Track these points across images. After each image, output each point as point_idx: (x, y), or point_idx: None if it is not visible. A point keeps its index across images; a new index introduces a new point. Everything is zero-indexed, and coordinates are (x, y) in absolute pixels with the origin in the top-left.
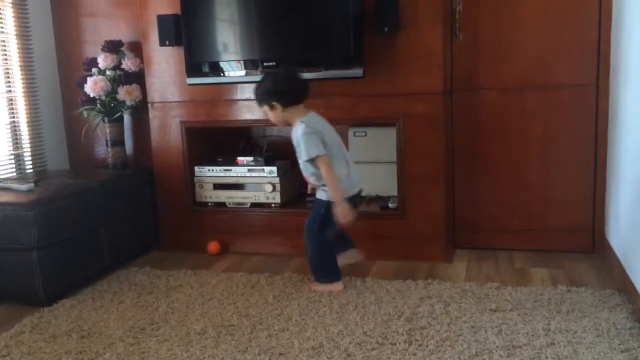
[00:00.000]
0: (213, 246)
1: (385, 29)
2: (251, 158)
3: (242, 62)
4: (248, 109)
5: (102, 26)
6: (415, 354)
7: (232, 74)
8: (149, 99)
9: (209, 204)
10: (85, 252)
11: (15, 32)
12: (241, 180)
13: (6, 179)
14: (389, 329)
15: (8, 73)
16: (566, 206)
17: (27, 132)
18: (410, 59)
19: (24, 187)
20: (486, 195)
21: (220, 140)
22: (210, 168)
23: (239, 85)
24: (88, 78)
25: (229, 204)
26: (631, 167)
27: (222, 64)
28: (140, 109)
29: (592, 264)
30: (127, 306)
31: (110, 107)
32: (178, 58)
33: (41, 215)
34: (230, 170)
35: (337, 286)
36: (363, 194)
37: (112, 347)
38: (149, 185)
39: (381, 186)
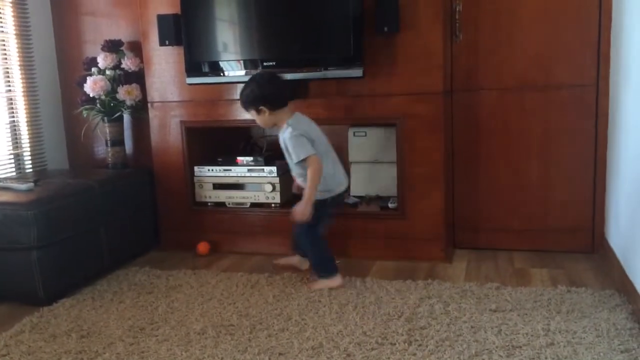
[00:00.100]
0: (203, 247)
1: (385, 29)
2: (251, 158)
3: (242, 62)
4: None
5: (102, 26)
6: (414, 354)
7: (232, 73)
8: (149, 99)
9: (209, 203)
10: (85, 251)
11: (15, 32)
12: (241, 180)
13: (6, 179)
14: (388, 329)
15: (8, 73)
16: (566, 206)
17: (26, 132)
18: (410, 59)
19: (23, 186)
20: (486, 196)
21: (220, 140)
22: (210, 168)
23: (238, 85)
24: (88, 78)
25: (229, 203)
26: (631, 167)
27: (222, 64)
28: (140, 109)
29: (591, 264)
30: (126, 306)
31: (110, 107)
32: (178, 58)
33: (41, 215)
34: (230, 170)
35: (336, 280)
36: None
37: (111, 346)
38: (148, 185)
39: (381, 186)
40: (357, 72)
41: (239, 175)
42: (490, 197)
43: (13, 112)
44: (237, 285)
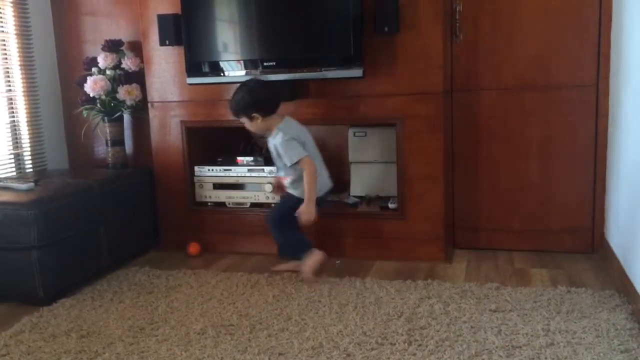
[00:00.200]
0: (193, 247)
1: (385, 29)
2: (251, 158)
3: (242, 62)
4: None
5: (102, 25)
6: (414, 354)
7: (232, 73)
8: (149, 99)
9: (209, 203)
10: (85, 251)
11: (15, 32)
12: (241, 180)
13: (6, 179)
14: (388, 329)
15: (8, 72)
16: (566, 206)
17: (27, 132)
18: (410, 59)
19: (23, 186)
20: (486, 196)
21: (220, 140)
22: (210, 168)
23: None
24: (88, 77)
25: (229, 203)
26: (631, 167)
27: (222, 64)
28: (140, 109)
29: (591, 264)
30: (126, 306)
31: (110, 107)
32: (178, 58)
33: (41, 215)
34: (230, 170)
35: (316, 254)
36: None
37: (111, 346)
38: (148, 185)
39: (381, 186)
40: (357, 72)
41: (239, 175)
42: (490, 197)
43: (13, 112)
44: (237, 285)
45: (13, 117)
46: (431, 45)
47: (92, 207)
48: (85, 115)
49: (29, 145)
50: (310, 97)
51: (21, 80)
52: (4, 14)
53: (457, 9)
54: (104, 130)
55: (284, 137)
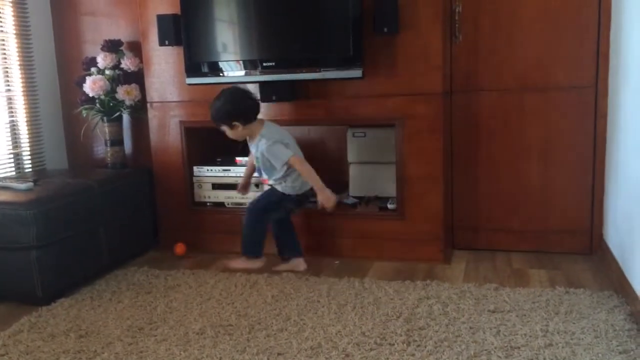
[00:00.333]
0: (180, 248)
1: (385, 29)
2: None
3: (241, 62)
4: None
5: (101, 25)
6: (413, 355)
7: (231, 74)
8: (148, 99)
9: (208, 204)
10: (84, 251)
11: (14, 32)
12: (240, 181)
13: (5, 178)
14: (387, 329)
15: (7, 72)
16: (565, 207)
17: (26, 131)
18: (409, 60)
19: (23, 186)
20: (485, 197)
21: (219, 140)
22: (209, 168)
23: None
24: (87, 77)
25: (228, 204)
26: (630, 168)
27: (221, 64)
28: (140, 109)
29: (590, 265)
30: (125, 306)
31: (109, 107)
32: (177, 58)
33: (40, 215)
34: (229, 170)
35: (257, 263)
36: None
37: (110, 346)
38: (147, 185)
39: (380, 187)
40: (356, 73)
41: (238, 175)
42: (489, 198)
43: (12, 112)
44: (235, 285)
45: (12, 116)
46: (431, 45)
47: (91, 207)
48: (84, 115)
49: (28, 145)
50: (309, 97)
51: (20, 80)
52: (3, 13)
53: (457, 10)
54: (103, 130)
55: (268, 142)
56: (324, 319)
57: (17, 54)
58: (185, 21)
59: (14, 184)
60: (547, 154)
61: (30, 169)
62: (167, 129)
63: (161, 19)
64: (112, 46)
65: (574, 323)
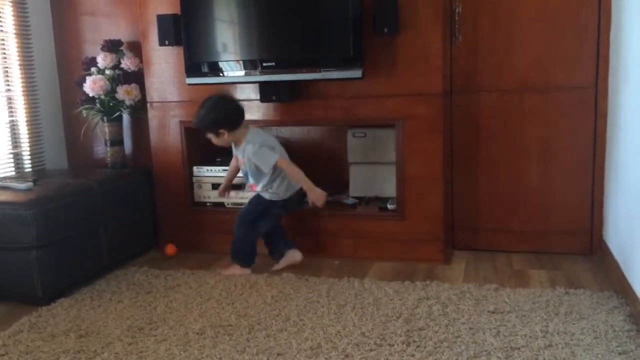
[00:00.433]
0: (170, 248)
1: (385, 30)
2: None
3: (241, 62)
4: (247, 109)
5: (101, 25)
6: (413, 355)
7: (231, 74)
8: (148, 99)
9: (208, 204)
10: (84, 251)
11: (14, 31)
12: (239, 181)
13: (5, 178)
14: (387, 330)
15: (7, 72)
16: (565, 208)
17: (26, 131)
18: (409, 60)
19: (23, 186)
20: (485, 197)
21: None
22: (209, 168)
23: (238, 85)
24: (87, 77)
25: (228, 204)
26: (630, 169)
27: (221, 64)
28: (140, 109)
29: (590, 266)
30: (125, 306)
31: (109, 107)
32: (177, 58)
33: (40, 215)
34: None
35: (245, 271)
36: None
37: (110, 346)
38: (147, 185)
39: (380, 187)
40: (356, 73)
41: (238, 175)
42: (489, 199)
43: (12, 112)
44: (235, 286)
45: (12, 116)
46: (431, 46)
47: (91, 207)
48: (84, 115)
49: (28, 144)
50: (309, 97)
51: (20, 80)
52: (3, 13)
53: (457, 10)
54: (103, 130)
55: (254, 146)
56: (324, 320)
57: (17, 54)
58: (185, 21)
59: (14, 184)
60: (547, 155)
61: (30, 169)
62: (167, 129)
63: (161, 19)
64: (112, 46)
65: (573, 324)
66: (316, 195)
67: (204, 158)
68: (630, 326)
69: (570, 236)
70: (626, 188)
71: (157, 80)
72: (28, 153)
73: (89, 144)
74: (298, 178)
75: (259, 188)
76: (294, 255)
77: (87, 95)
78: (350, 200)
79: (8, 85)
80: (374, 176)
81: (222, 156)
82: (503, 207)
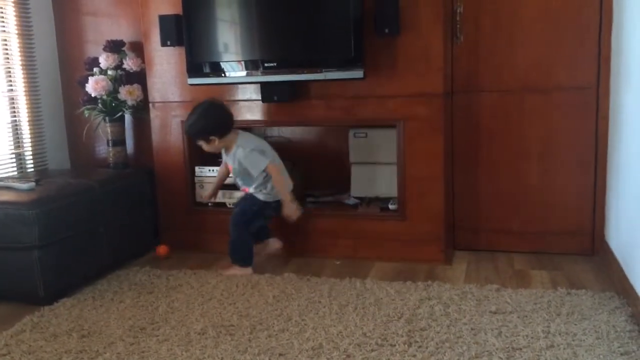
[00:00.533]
0: (162, 249)
1: (386, 30)
2: None
3: (243, 62)
4: (248, 110)
5: (103, 26)
6: (414, 356)
7: (233, 74)
8: (150, 99)
9: (209, 204)
10: (86, 251)
11: (16, 31)
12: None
13: (7, 178)
14: (388, 330)
15: (9, 72)
16: (566, 208)
17: (28, 131)
18: (410, 61)
19: (25, 186)
20: (486, 197)
21: None
22: (211, 168)
23: (239, 85)
24: (89, 77)
25: (229, 204)
26: (631, 169)
27: (223, 65)
28: (141, 109)
29: (591, 266)
30: (127, 306)
31: (111, 107)
32: (179, 58)
33: (42, 214)
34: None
35: (247, 271)
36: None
37: (112, 346)
38: (149, 185)
39: (381, 188)
40: (357, 74)
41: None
42: (491, 199)
43: (15, 112)
44: (237, 286)
45: (14, 116)
46: (432, 46)
47: (93, 207)
48: (86, 115)
49: (30, 144)
50: (310, 98)
51: (22, 80)
52: (5, 13)
53: (458, 11)
54: (105, 130)
55: (245, 150)
56: (325, 320)
57: (19, 54)
58: (187, 22)
59: (16, 184)
60: (548, 155)
61: (32, 169)
62: (168, 129)
63: (163, 19)
64: (114, 46)
65: (575, 324)
66: (291, 210)
67: (206, 158)
68: (632, 327)
69: (571, 236)
70: (627, 188)
71: (159, 80)
72: (30, 153)
73: (91, 144)
74: (280, 187)
75: (251, 190)
76: (274, 243)
77: (90, 95)
78: (351, 201)
79: (10, 85)
80: (375, 176)
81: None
82: (504, 208)
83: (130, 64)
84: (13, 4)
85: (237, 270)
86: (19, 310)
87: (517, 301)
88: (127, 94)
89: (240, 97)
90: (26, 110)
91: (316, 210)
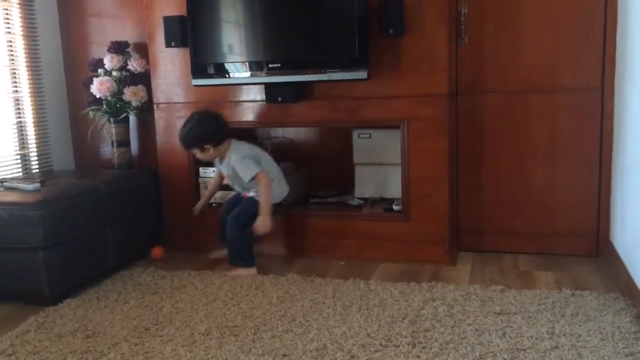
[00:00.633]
0: (157, 251)
1: (390, 31)
2: None
3: (247, 63)
4: (252, 110)
5: (108, 27)
6: (418, 357)
7: (237, 75)
8: (155, 100)
9: (214, 204)
10: (91, 251)
11: (21, 33)
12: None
13: (12, 179)
14: (392, 331)
15: (15, 73)
16: (571, 209)
17: (33, 132)
18: (415, 62)
19: (30, 187)
20: (491, 198)
21: None
22: (215, 169)
23: (244, 86)
24: (94, 79)
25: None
26: (637, 170)
27: (227, 66)
28: (146, 110)
29: (596, 267)
30: (131, 306)
31: (116, 108)
32: (183, 59)
33: (47, 215)
34: None
35: (251, 271)
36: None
37: (116, 346)
38: (154, 186)
39: (385, 188)
40: (362, 74)
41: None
42: (495, 200)
43: (20, 113)
44: (241, 287)
45: (19, 117)
46: (436, 47)
47: (98, 207)
48: (91, 116)
49: (35, 145)
50: (315, 98)
51: (27, 81)
52: (10, 15)
53: (462, 12)
54: (109, 131)
55: (237, 157)
56: (329, 321)
57: (24, 55)
58: (191, 23)
59: (21, 185)
60: (553, 156)
61: (37, 170)
62: (173, 130)
63: (167, 20)
64: (118, 47)
65: (580, 325)
66: (264, 223)
67: None
68: (637, 328)
69: (576, 237)
70: (633, 189)
71: (163, 81)
72: (35, 154)
73: (95, 145)
74: (263, 198)
75: (251, 194)
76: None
77: (94, 96)
78: (355, 201)
79: (15, 86)
80: (379, 177)
81: None
82: (509, 208)
83: (134, 65)
84: (18, 6)
85: (241, 271)
86: (23, 311)
87: (521, 302)
88: (132, 95)
89: (244, 98)
90: (31, 112)
91: (320, 211)
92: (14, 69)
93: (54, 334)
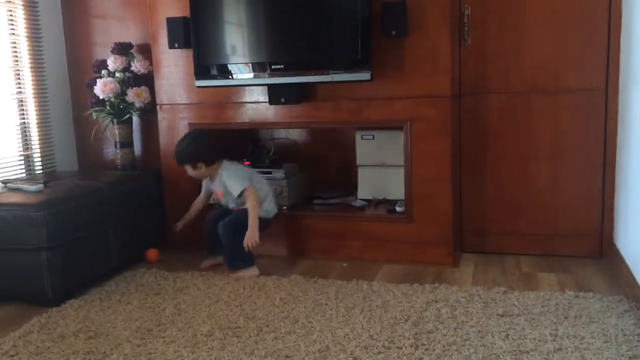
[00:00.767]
0: (152, 254)
1: (393, 32)
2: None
3: (250, 64)
4: (256, 111)
5: (111, 28)
6: (421, 359)
7: (240, 76)
8: (158, 101)
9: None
10: (94, 252)
11: (25, 34)
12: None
13: (16, 180)
14: (395, 332)
15: (18, 74)
16: (574, 211)
17: (36, 133)
18: (418, 63)
19: (33, 187)
20: (494, 199)
21: (227, 142)
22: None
23: (247, 88)
24: (97, 80)
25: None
26: None
27: (230, 67)
28: (149, 111)
29: (600, 269)
30: (134, 307)
31: (119, 109)
32: (187, 60)
33: (50, 216)
34: None
35: (253, 270)
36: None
37: (119, 347)
38: (157, 187)
39: (388, 190)
40: (364, 76)
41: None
42: (498, 201)
43: (23, 114)
44: (244, 288)
45: (23, 118)
46: (439, 48)
47: (101, 208)
48: (94, 117)
49: (38, 146)
50: (318, 100)
51: (31, 82)
52: (14, 16)
53: (466, 13)
54: (113, 132)
55: (229, 173)
56: (332, 322)
57: (28, 56)
58: (194, 24)
59: (25, 186)
60: (557, 157)
61: (40, 171)
62: (176, 131)
63: (171, 21)
64: (122, 49)
65: (583, 327)
66: (252, 236)
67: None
68: None
69: (579, 239)
70: (636, 190)
71: (166, 82)
72: (39, 155)
73: (99, 146)
74: (252, 211)
75: (247, 206)
76: (219, 260)
77: (98, 97)
78: (358, 203)
79: (19, 87)
80: (382, 178)
81: (231, 157)
82: (512, 210)
83: (138, 66)
84: (22, 7)
85: (243, 272)
86: (26, 312)
87: (524, 304)
88: (135, 96)
89: (247, 99)
90: (35, 113)
91: (323, 212)
92: (18, 70)
93: (56, 334)
